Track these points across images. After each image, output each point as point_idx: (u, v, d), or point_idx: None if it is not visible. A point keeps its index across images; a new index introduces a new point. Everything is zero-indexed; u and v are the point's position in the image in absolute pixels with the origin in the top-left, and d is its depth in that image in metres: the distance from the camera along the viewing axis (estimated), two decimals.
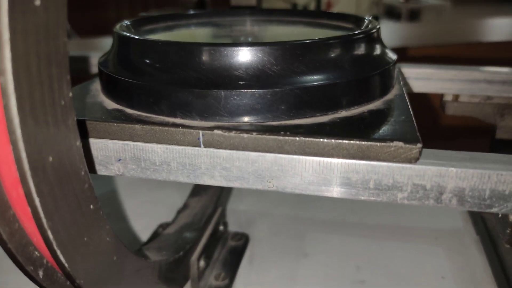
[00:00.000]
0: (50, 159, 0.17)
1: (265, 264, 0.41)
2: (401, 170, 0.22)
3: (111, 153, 0.25)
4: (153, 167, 0.25)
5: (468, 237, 0.44)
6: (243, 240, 0.43)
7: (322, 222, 0.47)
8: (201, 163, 0.24)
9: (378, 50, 0.29)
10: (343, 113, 0.25)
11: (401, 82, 0.31)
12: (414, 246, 0.43)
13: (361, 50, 0.27)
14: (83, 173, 0.19)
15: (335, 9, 1.31)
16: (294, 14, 0.40)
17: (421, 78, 0.41)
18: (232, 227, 0.45)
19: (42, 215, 0.17)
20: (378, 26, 0.29)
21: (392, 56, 0.30)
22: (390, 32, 1.00)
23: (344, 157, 0.22)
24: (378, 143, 0.22)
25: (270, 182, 0.24)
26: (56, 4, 0.16)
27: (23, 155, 0.16)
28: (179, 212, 0.42)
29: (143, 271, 0.27)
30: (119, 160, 0.25)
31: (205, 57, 0.24)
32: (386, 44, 0.31)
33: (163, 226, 0.45)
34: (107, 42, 0.32)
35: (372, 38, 0.28)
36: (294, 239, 0.44)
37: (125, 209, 0.49)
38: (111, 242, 0.23)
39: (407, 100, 0.28)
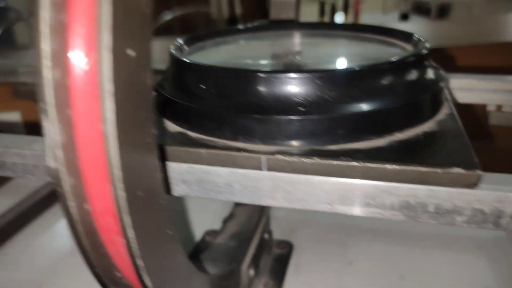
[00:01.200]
0: (141, 193, 0.19)
1: (311, 272, 0.42)
2: (460, 196, 0.23)
3: (176, 175, 0.27)
4: (216, 188, 0.26)
5: None
6: (287, 248, 0.44)
7: (363, 230, 0.48)
8: (263, 185, 0.25)
9: (430, 70, 0.29)
10: (398, 136, 0.26)
11: (448, 97, 0.32)
12: (457, 255, 0.43)
13: (415, 73, 0.28)
14: (163, 201, 0.21)
15: (363, 6, 1.30)
16: (337, 28, 0.41)
17: (464, 89, 0.41)
18: (276, 235, 0.47)
19: (135, 245, 0.19)
20: (429, 46, 0.30)
21: (442, 74, 0.30)
22: (423, 31, 0.99)
23: (403, 181, 0.23)
24: (439, 170, 0.22)
25: (330, 204, 0.25)
26: (146, 52, 0.18)
27: (122, 194, 0.17)
28: (226, 221, 0.44)
29: (204, 286, 0.29)
30: (185, 181, 0.27)
31: (266, 85, 0.26)
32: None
33: (209, 233, 0.47)
34: None
35: (424, 59, 0.29)
36: (337, 247, 0.45)
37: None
38: (183, 262, 0.24)
39: (458, 120, 0.29)
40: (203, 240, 0.46)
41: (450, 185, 0.23)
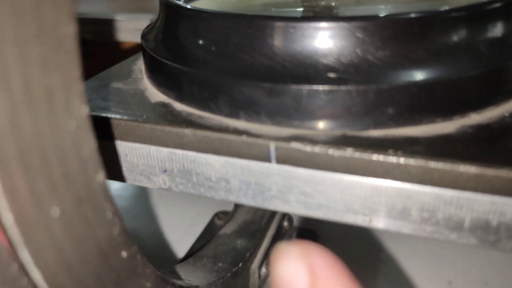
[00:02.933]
0: (57, 211, 0.11)
1: None
2: None
3: (154, 162, 0.19)
4: (208, 183, 0.19)
5: None
6: (310, 239, 0.37)
7: None
8: (271, 183, 0.18)
9: None
10: (474, 118, 0.18)
11: None
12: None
13: (504, 25, 0.19)
14: (111, 214, 0.14)
15: None
16: None
17: None
18: (297, 223, 0.39)
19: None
20: None
21: None
22: None
23: (483, 191, 0.15)
24: None
25: (367, 215, 0.17)
26: None
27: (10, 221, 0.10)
28: (238, 205, 0.36)
29: None
30: (165, 171, 0.19)
31: (280, 37, 0.17)
32: None
33: (219, 216, 0.40)
34: None
35: None
36: (370, 240, 0.38)
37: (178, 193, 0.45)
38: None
39: None
40: (211, 223, 0.40)
41: None
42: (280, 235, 0.36)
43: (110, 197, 0.14)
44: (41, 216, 0.11)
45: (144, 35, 0.24)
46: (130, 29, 0.44)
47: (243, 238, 0.32)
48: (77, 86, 0.11)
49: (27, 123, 0.10)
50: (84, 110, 0.12)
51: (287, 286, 0.11)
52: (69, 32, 0.11)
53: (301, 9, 0.26)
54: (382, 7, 0.25)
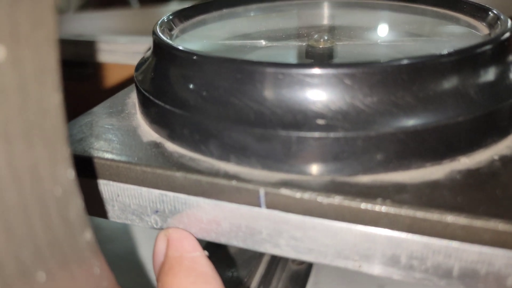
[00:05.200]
0: (43, 276, 0.11)
1: None
2: None
3: (145, 202, 0.20)
4: (199, 224, 0.19)
5: None
6: (306, 263, 0.37)
7: None
8: (261, 227, 0.18)
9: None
10: (463, 162, 0.18)
11: None
12: None
13: (491, 69, 0.19)
14: (98, 270, 0.14)
15: None
16: None
17: None
18: None
19: None
20: (510, 26, 0.21)
21: None
22: None
23: (471, 242, 0.15)
24: None
25: (356, 261, 0.17)
26: None
27: None
28: None
29: None
30: (156, 211, 0.20)
31: (269, 83, 0.18)
32: None
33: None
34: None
35: (508, 48, 0.20)
36: None
37: None
38: None
39: None
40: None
41: None
42: (275, 261, 0.36)
43: (98, 252, 0.14)
44: (27, 283, 0.11)
45: (137, 68, 0.24)
46: (128, 51, 0.44)
47: (238, 265, 0.32)
48: (63, 152, 0.11)
49: (11, 195, 0.10)
50: (70, 174, 0.12)
51: (156, 255, 0.19)
52: (54, 102, 0.11)
53: (293, 42, 0.26)
54: (373, 42, 0.26)
